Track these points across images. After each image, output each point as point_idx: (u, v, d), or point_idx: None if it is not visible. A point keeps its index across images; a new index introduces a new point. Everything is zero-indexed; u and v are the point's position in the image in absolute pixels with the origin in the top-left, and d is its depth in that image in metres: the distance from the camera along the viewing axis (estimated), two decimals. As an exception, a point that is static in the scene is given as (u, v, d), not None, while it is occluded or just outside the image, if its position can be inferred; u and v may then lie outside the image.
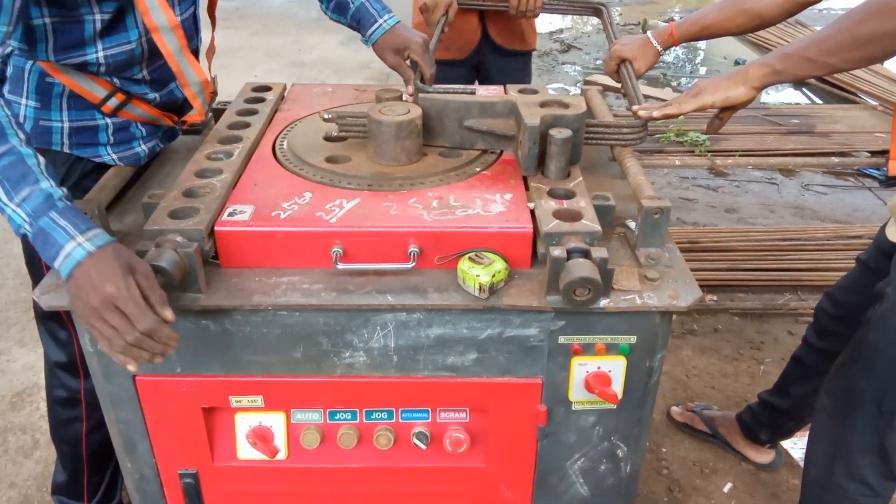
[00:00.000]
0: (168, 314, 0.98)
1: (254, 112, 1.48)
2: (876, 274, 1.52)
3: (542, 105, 1.29)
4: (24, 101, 1.31)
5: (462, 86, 1.47)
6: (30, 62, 1.28)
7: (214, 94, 1.53)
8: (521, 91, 1.61)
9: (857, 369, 1.47)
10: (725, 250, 3.09)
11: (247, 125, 1.42)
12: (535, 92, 1.62)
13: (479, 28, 2.32)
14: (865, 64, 1.25)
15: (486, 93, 1.64)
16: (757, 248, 3.11)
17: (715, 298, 2.79)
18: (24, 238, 1.42)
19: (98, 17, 1.22)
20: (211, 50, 1.57)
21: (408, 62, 1.56)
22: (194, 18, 1.43)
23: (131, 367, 1.00)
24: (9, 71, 1.31)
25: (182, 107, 1.47)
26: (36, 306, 1.50)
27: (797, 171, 3.97)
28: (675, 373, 2.41)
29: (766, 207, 3.56)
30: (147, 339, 0.98)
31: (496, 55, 2.39)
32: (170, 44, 1.27)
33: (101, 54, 1.26)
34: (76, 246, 0.99)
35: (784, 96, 5.58)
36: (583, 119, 1.28)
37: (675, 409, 2.21)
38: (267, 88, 1.62)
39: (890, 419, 1.41)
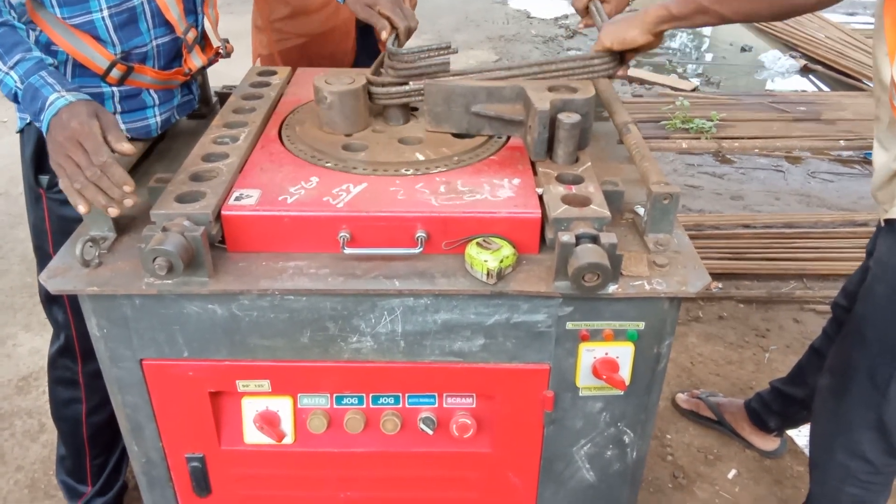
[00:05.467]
0: (125, 146, 1.08)
1: (259, 97, 1.47)
2: None
3: (551, 90, 1.28)
4: None
5: (437, 44, 1.34)
6: (34, 33, 1.27)
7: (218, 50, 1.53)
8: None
9: (849, 343, 1.50)
10: (731, 237, 3.09)
11: (252, 109, 1.41)
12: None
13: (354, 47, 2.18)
14: (753, 19, 1.35)
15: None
16: (762, 235, 3.10)
17: (720, 286, 2.78)
18: (28, 207, 1.43)
19: None
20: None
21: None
22: None
23: (82, 208, 1.08)
24: None
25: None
26: (41, 289, 1.51)
27: (803, 158, 3.95)
28: (680, 360, 2.41)
29: (771, 195, 3.54)
30: (104, 177, 1.06)
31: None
32: None
33: (105, 13, 1.25)
34: (59, 97, 1.11)
35: (791, 83, 5.54)
36: (591, 103, 1.26)
37: (680, 395, 2.21)
38: (273, 72, 1.61)
39: (884, 391, 1.43)
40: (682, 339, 2.50)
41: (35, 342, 2.49)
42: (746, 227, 3.18)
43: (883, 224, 1.38)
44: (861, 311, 1.46)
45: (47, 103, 1.11)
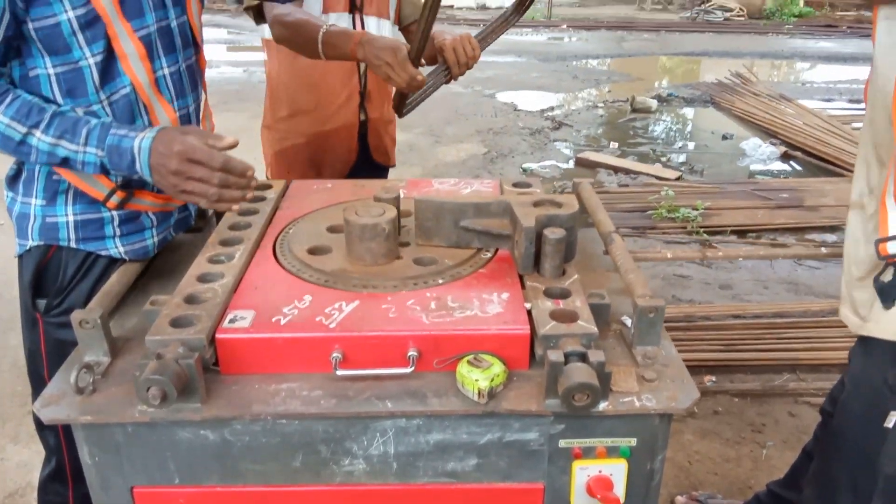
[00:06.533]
0: (227, 142, 1.22)
1: (255, 212, 1.51)
2: None
3: (536, 205, 1.32)
4: (33, 200, 1.36)
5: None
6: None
7: None
8: (514, 185, 1.67)
9: (829, 455, 1.49)
10: (722, 328, 3.11)
11: (248, 225, 1.45)
12: (528, 185, 1.67)
13: (357, 147, 2.24)
14: None
15: (482, 188, 1.69)
16: (753, 325, 3.13)
17: (713, 379, 2.78)
18: (24, 331, 1.44)
19: (91, 59, 1.26)
20: (206, 114, 1.61)
21: None
22: (181, 74, 1.43)
23: (235, 208, 1.26)
24: (23, 175, 1.36)
25: None
26: (34, 414, 1.50)
27: (789, 245, 4.02)
28: (677, 458, 2.38)
29: (760, 283, 3.59)
30: (228, 175, 1.20)
31: (369, 170, 2.28)
32: (139, 75, 1.32)
33: (105, 103, 1.30)
34: (141, 139, 1.21)
35: (773, 168, 5.70)
36: (576, 218, 1.31)
37: (679, 498, 2.17)
38: (268, 186, 1.66)
39: (868, 500, 1.41)
40: (679, 436, 2.47)
41: (23, 455, 2.43)
42: (737, 317, 3.21)
43: (859, 339, 1.39)
44: (839, 424, 1.46)
45: (135, 151, 1.21)
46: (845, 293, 1.42)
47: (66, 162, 1.24)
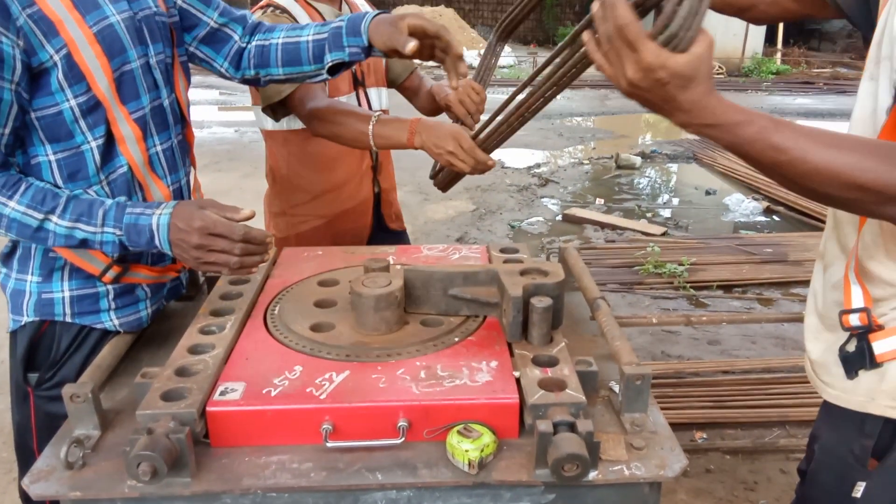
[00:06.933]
0: (245, 214, 1.27)
1: (246, 280, 1.53)
2: None
3: (523, 273, 1.35)
4: (29, 277, 1.37)
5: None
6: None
7: None
8: (502, 251, 1.70)
9: None
10: (711, 385, 3.12)
11: (239, 294, 1.47)
12: (515, 251, 1.71)
13: (372, 218, 2.24)
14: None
15: (470, 254, 1.72)
16: (742, 381, 3.14)
17: (705, 436, 2.78)
18: (14, 406, 1.43)
19: (93, 143, 1.29)
20: (196, 185, 1.64)
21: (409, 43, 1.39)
22: (173, 150, 1.46)
23: (254, 271, 1.34)
24: (18, 252, 1.38)
25: None
26: (21, 490, 1.48)
27: (774, 300, 4.07)
28: (670, 519, 2.37)
29: (747, 339, 3.62)
30: (249, 245, 1.26)
31: (385, 237, 2.29)
32: (135, 155, 1.35)
33: (104, 183, 1.33)
34: (159, 215, 1.25)
35: (756, 220, 5.79)
36: (562, 286, 1.34)
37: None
38: (258, 254, 1.68)
39: None
40: (672, 496, 2.46)
41: (4, 524, 2.39)
42: (726, 373, 3.23)
43: (826, 405, 1.35)
44: (809, 494, 1.44)
45: (155, 228, 1.25)
46: (808, 346, 1.39)
47: (84, 243, 1.27)
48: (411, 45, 1.38)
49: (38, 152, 1.29)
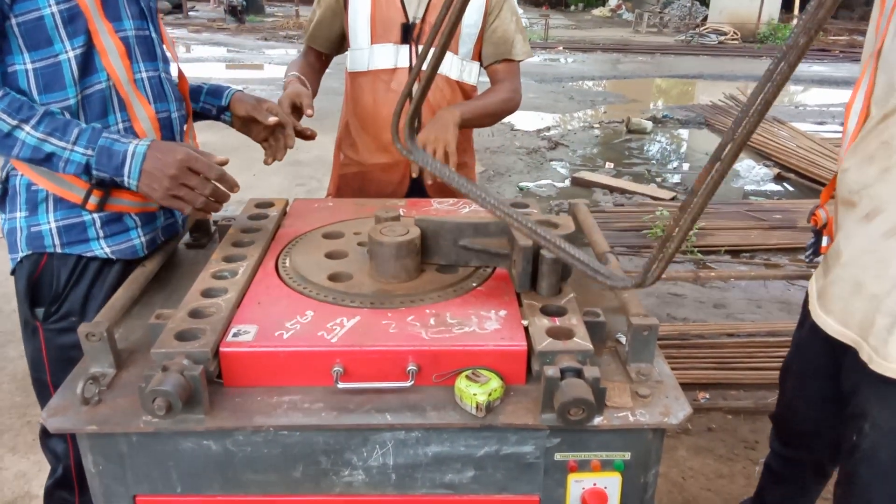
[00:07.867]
0: (221, 157, 1.32)
1: (257, 229, 1.54)
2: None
3: (533, 224, 1.36)
4: (18, 214, 1.40)
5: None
6: (19, 175, 1.36)
7: None
8: (512, 205, 1.70)
9: None
10: (716, 347, 3.14)
11: (251, 242, 1.48)
12: (525, 206, 1.71)
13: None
14: None
15: (480, 209, 1.72)
16: (746, 344, 3.16)
17: (707, 396, 2.81)
18: (25, 341, 1.46)
19: (71, 53, 1.30)
20: (192, 134, 1.65)
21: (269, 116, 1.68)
22: (161, 81, 1.47)
23: (210, 216, 1.44)
24: (8, 195, 1.40)
25: None
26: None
27: (782, 265, 4.07)
28: (670, 474, 2.40)
29: (753, 303, 3.63)
30: (218, 188, 1.30)
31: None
32: (118, 71, 1.36)
33: (80, 96, 1.33)
34: (136, 144, 1.27)
35: (766, 189, 5.75)
36: (573, 239, 1.34)
37: (673, 514, 2.19)
38: (270, 204, 1.69)
39: None
40: (672, 452, 2.50)
41: (21, 465, 2.44)
42: (730, 335, 3.24)
43: (877, 378, 1.29)
44: (865, 476, 1.39)
45: (130, 154, 1.27)
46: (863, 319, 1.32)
47: (48, 158, 1.27)
48: (272, 118, 1.64)
49: (15, 61, 1.29)
